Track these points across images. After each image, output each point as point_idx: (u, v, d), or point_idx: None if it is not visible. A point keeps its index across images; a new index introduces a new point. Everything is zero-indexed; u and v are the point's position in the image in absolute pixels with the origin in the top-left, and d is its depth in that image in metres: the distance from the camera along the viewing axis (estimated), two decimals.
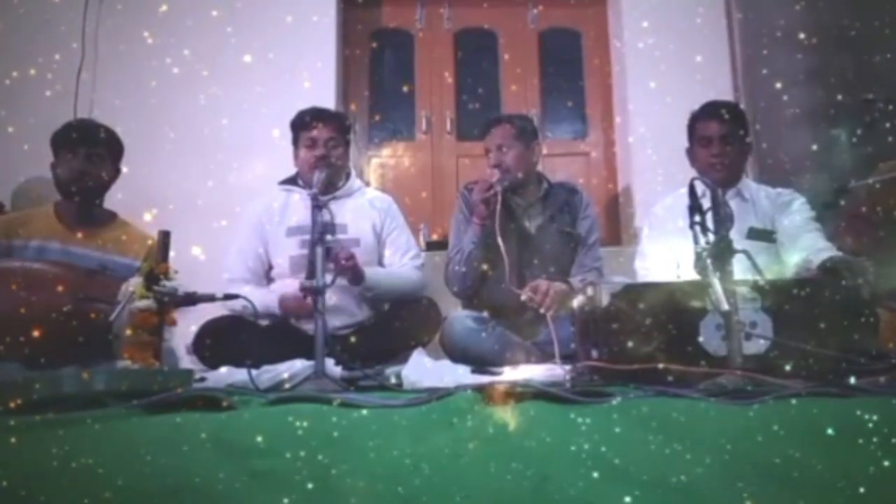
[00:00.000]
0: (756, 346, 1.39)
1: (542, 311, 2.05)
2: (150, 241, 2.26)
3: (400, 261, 2.39)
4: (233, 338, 2.01)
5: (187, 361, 2.13)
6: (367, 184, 2.89)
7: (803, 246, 2.06)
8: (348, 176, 2.44)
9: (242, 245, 2.35)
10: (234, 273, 2.32)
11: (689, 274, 1.45)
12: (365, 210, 2.41)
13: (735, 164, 2.26)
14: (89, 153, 2.18)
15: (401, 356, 1.94)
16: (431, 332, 2.26)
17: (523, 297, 2.08)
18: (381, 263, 2.40)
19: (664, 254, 2.20)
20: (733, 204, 1.78)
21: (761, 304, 1.43)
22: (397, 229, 2.43)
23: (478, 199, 2.27)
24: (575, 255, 2.39)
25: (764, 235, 2.17)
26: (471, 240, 2.30)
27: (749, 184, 2.34)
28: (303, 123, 2.34)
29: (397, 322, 2.22)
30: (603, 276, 2.35)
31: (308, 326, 2.03)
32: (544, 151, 2.51)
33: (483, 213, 2.26)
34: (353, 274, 2.17)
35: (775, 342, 1.39)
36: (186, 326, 2.01)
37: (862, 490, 0.74)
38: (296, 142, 2.38)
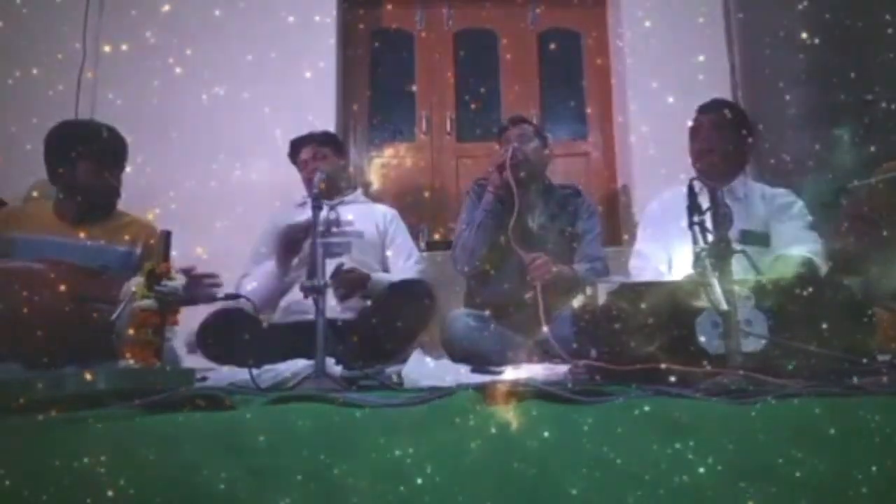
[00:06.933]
0: (754, 344, 1.39)
1: (528, 277, 2.16)
2: (145, 226, 2.25)
3: (403, 264, 2.49)
4: (235, 334, 2.02)
5: (188, 361, 2.14)
6: (369, 186, 2.97)
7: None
8: (355, 188, 2.64)
9: (260, 248, 2.46)
10: (249, 271, 2.41)
11: (681, 273, 1.45)
12: (370, 213, 2.55)
13: (727, 157, 2.21)
14: (112, 164, 2.17)
15: (401, 356, 1.95)
16: (429, 316, 2.27)
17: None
18: (383, 265, 2.50)
19: (658, 252, 2.19)
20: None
21: (755, 302, 1.43)
22: (400, 235, 2.56)
23: (492, 168, 2.35)
24: (574, 254, 2.40)
25: (757, 239, 2.16)
26: (483, 208, 2.36)
27: (745, 182, 2.31)
28: (293, 151, 2.58)
29: (395, 307, 2.22)
30: (608, 270, 2.37)
31: (308, 317, 2.03)
32: (546, 153, 2.51)
33: (497, 181, 2.31)
34: (351, 282, 2.19)
35: (771, 340, 1.39)
36: (187, 325, 2.02)
37: (864, 490, 0.74)
38: (297, 167, 2.58)
